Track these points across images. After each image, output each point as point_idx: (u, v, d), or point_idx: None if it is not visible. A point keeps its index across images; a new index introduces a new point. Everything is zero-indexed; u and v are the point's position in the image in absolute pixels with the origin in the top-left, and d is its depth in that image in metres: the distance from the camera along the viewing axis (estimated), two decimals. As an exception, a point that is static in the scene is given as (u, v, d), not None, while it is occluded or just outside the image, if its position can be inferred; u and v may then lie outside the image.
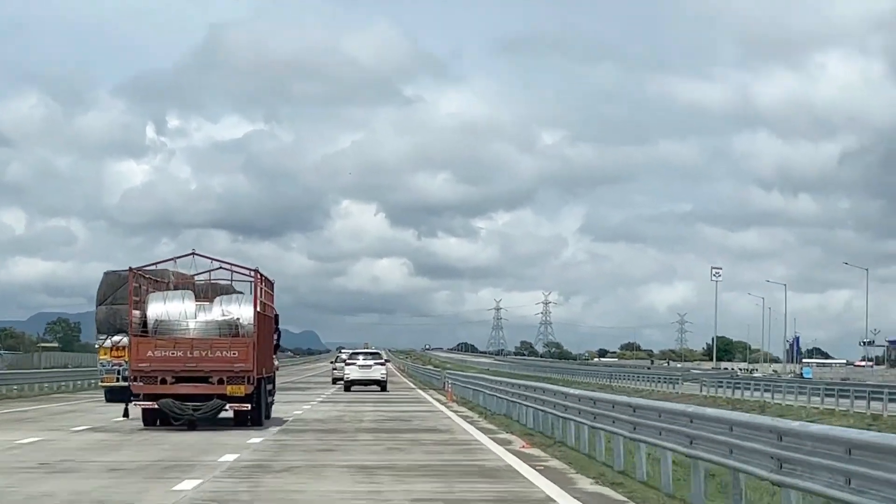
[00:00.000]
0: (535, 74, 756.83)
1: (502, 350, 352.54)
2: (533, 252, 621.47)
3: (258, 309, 31.93)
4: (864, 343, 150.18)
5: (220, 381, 30.82)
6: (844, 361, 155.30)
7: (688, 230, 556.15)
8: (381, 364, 66.51)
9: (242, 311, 31.79)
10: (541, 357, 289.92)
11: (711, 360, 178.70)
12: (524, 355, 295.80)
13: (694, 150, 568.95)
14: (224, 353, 30.77)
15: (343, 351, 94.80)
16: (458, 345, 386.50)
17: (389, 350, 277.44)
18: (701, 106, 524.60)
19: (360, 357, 67.57)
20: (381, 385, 65.83)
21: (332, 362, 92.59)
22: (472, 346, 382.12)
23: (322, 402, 53.09)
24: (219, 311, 31.84)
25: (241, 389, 30.93)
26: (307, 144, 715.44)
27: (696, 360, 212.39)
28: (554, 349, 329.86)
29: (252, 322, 31.57)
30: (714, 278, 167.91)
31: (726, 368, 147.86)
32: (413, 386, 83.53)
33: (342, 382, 69.10)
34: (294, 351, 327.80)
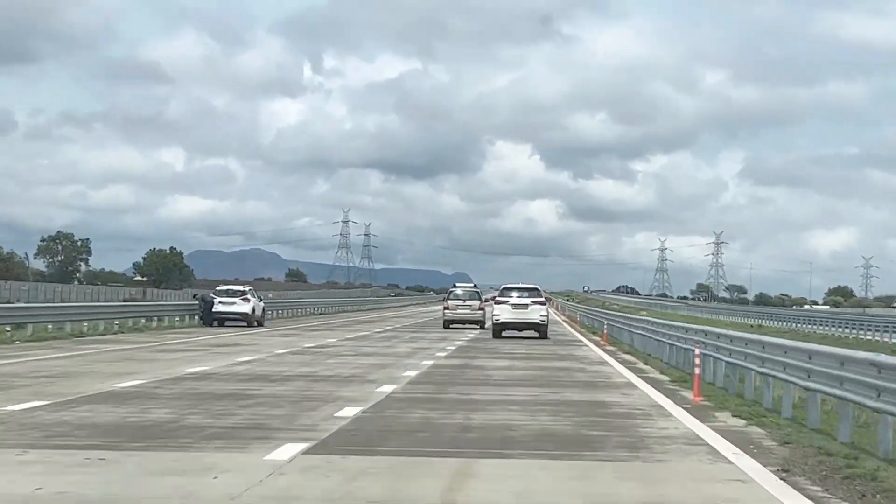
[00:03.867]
0: (697, 11, 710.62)
1: (665, 294, 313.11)
2: (691, 195, 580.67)
3: None
4: None
5: None
6: None
7: (854, 174, 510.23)
8: (542, 303, 56.29)
9: None
10: (724, 301, 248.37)
11: None
12: (699, 299, 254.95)
13: (862, 91, 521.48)
14: None
15: (458, 286, 68.08)
16: (619, 287, 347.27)
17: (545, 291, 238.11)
18: (872, 44, 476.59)
19: (514, 293, 56.14)
20: (541, 331, 55.48)
21: (444, 299, 69.85)
22: (633, 288, 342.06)
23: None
24: None
25: None
26: (461, 83, 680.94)
27: None
28: (736, 293, 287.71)
29: None
30: None
31: None
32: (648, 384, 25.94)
33: (456, 328, 63.65)
34: (437, 291, 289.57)
